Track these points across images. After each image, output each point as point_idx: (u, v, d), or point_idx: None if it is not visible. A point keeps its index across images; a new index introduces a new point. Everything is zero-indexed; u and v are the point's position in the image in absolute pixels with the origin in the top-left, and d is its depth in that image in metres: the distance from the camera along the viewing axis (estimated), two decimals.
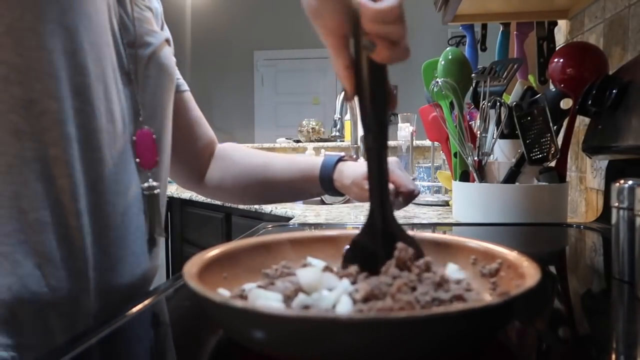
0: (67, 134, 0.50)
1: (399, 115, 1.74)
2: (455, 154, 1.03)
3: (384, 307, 0.31)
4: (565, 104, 0.94)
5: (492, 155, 0.96)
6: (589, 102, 0.86)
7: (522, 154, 0.91)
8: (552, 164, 0.92)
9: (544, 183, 0.91)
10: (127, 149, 0.57)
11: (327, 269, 0.40)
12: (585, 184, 1.11)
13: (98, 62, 0.52)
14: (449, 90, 0.99)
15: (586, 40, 1.10)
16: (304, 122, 3.06)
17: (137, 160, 0.58)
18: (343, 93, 0.39)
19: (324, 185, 0.79)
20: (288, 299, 0.35)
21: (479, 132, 0.96)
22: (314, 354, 0.28)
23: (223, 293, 0.37)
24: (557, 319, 0.45)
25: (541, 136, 0.89)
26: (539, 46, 1.14)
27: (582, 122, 1.08)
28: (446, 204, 1.32)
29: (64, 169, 0.50)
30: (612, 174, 0.91)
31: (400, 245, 0.38)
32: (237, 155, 0.85)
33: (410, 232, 0.41)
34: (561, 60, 0.93)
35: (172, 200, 2.36)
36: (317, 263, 0.43)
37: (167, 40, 0.65)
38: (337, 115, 2.97)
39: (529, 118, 0.90)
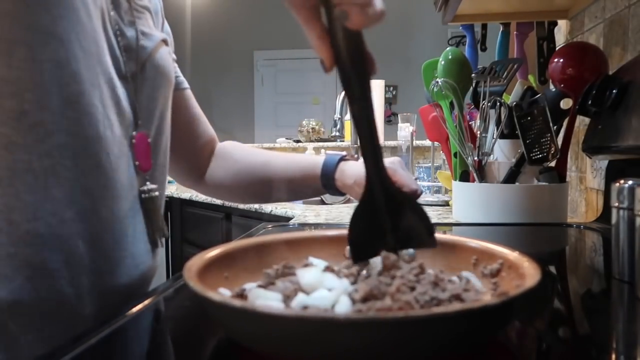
0: (61, 144, 0.49)
1: (399, 115, 1.74)
2: (455, 154, 1.03)
3: (382, 307, 0.31)
4: (565, 104, 0.94)
5: (492, 155, 0.96)
6: (589, 102, 0.86)
7: (522, 154, 0.91)
8: (552, 164, 0.92)
9: (544, 183, 0.91)
10: (125, 153, 0.56)
11: (328, 268, 0.40)
12: (585, 184, 1.11)
13: (92, 69, 0.51)
14: (449, 90, 0.99)
15: (586, 40, 1.10)
16: (304, 122, 3.06)
17: (137, 163, 0.58)
18: (321, 65, 0.38)
19: (325, 184, 0.79)
20: (288, 299, 0.35)
21: (479, 132, 0.96)
22: (312, 354, 0.28)
23: (224, 293, 0.37)
24: (557, 319, 0.45)
25: (541, 136, 0.89)
26: (539, 46, 1.14)
27: (582, 122, 1.08)
28: (446, 204, 1.32)
29: (57, 180, 0.49)
30: (612, 174, 0.91)
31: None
32: (237, 154, 0.85)
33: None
34: (561, 60, 0.93)
35: (172, 200, 2.36)
36: (319, 263, 0.43)
37: (165, 40, 0.65)
38: (337, 115, 2.97)
39: (529, 118, 0.90)
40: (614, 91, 0.82)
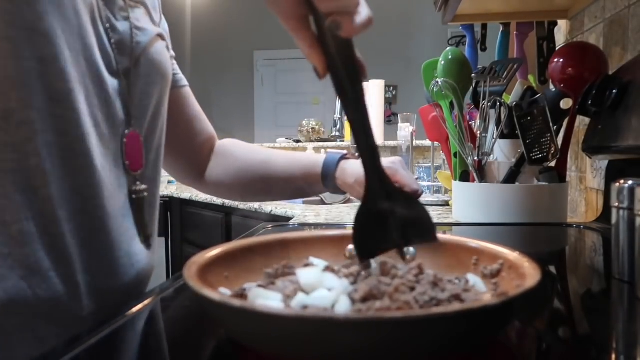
0: (48, 142, 0.48)
1: (399, 115, 1.74)
2: (455, 154, 1.03)
3: (382, 307, 0.31)
4: (565, 104, 0.94)
5: (492, 155, 0.96)
6: (589, 102, 0.86)
7: (522, 154, 0.91)
8: (552, 164, 0.92)
9: (544, 183, 0.91)
10: (114, 152, 0.56)
11: (328, 268, 0.40)
12: (585, 184, 1.11)
13: (80, 66, 0.51)
14: (449, 90, 0.99)
15: (586, 40, 1.10)
16: (304, 122, 3.06)
17: (127, 162, 0.57)
18: (314, 72, 0.39)
19: (325, 183, 0.79)
20: (288, 299, 0.35)
21: (479, 132, 0.96)
22: (312, 354, 0.28)
23: (224, 292, 0.37)
24: (557, 319, 0.45)
25: (541, 136, 0.89)
26: (539, 46, 1.14)
27: (582, 122, 1.08)
28: (446, 204, 1.32)
29: (46, 178, 0.48)
30: (612, 174, 0.91)
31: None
32: (237, 152, 0.84)
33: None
34: (561, 60, 0.93)
35: (172, 200, 2.36)
36: (319, 263, 0.43)
37: (160, 35, 0.64)
38: (337, 115, 2.98)
39: (529, 118, 0.90)
40: (614, 91, 0.82)
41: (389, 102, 5.01)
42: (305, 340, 0.28)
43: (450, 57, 1.01)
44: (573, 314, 0.46)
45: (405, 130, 1.62)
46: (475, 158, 0.96)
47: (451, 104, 1.01)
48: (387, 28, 4.86)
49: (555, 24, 1.16)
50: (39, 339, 0.49)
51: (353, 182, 0.75)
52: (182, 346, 0.37)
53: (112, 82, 0.55)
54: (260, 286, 0.38)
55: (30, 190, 0.48)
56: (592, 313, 0.46)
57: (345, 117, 2.30)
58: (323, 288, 0.35)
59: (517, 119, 0.90)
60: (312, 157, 0.82)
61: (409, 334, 0.27)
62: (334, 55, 0.37)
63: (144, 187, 0.59)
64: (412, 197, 0.39)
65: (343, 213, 1.23)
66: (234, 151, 0.84)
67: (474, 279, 0.39)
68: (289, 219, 1.37)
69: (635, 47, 0.90)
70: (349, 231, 0.40)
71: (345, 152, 0.81)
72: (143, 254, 0.59)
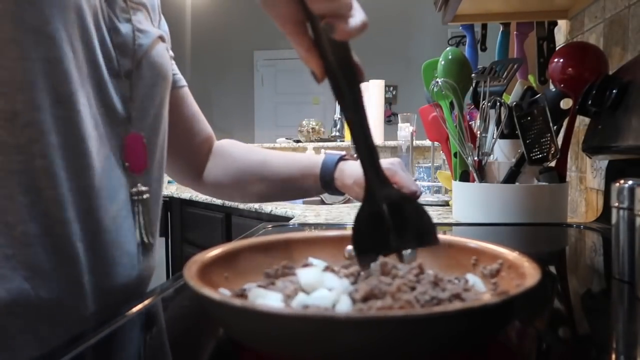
0: (52, 144, 0.49)
1: (399, 115, 1.74)
2: (455, 154, 1.03)
3: (383, 306, 0.31)
4: (565, 104, 0.94)
5: (492, 155, 0.97)
6: (589, 102, 0.86)
7: (522, 154, 0.91)
8: (552, 164, 0.92)
9: (544, 183, 0.91)
10: (114, 154, 0.56)
11: (328, 269, 0.40)
12: (585, 184, 1.11)
13: (82, 68, 0.51)
14: (449, 90, 0.99)
15: (586, 40, 1.10)
16: (304, 122, 3.06)
17: (127, 164, 0.57)
18: (312, 76, 0.39)
19: (324, 184, 0.79)
20: (288, 299, 0.35)
21: (479, 132, 0.96)
22: (313, 353, 0.28)
23: (224, 293, 0.37)
24: (557, 319, 0.45)
25: (541, 136, 0.89)
26: (539, 46, 1.14)
27: (582, 122, 1.08)
28: (446, 204, 1.32)
29: (50, 180, 0.49)
30: (612, 174, 0.91)
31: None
32: (235, 152, 0.84)
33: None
34: (561, 60, 0.93)
35: (172, 200, 2.36)
36: (318, 263, 0.43)
37: (161, 37, 0.64)
38: (337, 115, 2.98)
39: (529, 118, 0.90)
40: (614, 91, 0.82)
41: (389, 102, 5.01)
42: (306, 340, 0.28)
43: (450, 57, 1.01)
44: (573, 314, 0.47)
45: (405, 130, 1.62)
46: (475, 158, 0.96)
47: (451, 104, 1.01)
48: (387, 28, 4.86)
49: (555, 24, 1.16)
50: (42, 340, 0.49)
51: (352, 183, 0.75)
52: (182, 346, 0.37)
53: (113, 84, 0.55)
54: (260, 286, 0.38)
55: (35, 192, 0.48)
56: (592, 313, 0.46)
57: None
58: (323, 288, 0.35)
59: (517, 119, 0.90)
60: (310, 158, 0.82)
61: (410, 332, 0.27)
62: (331, 59, 0.37)
63: (144, 188, 0.59)
64: (411, 199, 0.40)
65: (343, 213, 1.23)
66: (232, 152, 0.84)
67: (473, 279, 0.39)
68: (289, 219, 1.37)
69: (635, 47, 0.90)
70: (349, 231, 0.40)
71: (343, 153, 0.81)
72: (143, 255, 0.59)
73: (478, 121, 0.98)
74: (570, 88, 0.91)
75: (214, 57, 5.47)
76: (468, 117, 1.05)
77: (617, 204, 0.51)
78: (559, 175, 0.92)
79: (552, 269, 0.64)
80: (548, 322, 0.43)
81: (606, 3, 1.02)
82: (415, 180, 1.54)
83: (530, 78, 1.14)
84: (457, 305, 0.32)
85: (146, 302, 0.45)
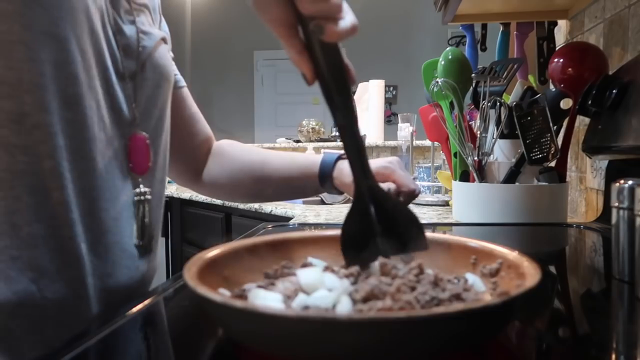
0: (59, 145, 0.49)
1: (399, 115, 1.74)
2: (455, 154, 1.03)
3: (383, 307, 0.31)
4: (565, 104, 0.94)
5: (492, 155, 0.97)
6: (589, 102, 0.86)
7: (522, 154, 0.91)
8: (552, 164, 0.92)
9: (544, 183, 0.91)
10: (118, 155, 0.56)
11: (327, 269, 0.40)
12: (585, 184, 1.11)
13: (90, 70, 0.51)
14: (449, 90, 0.99)
15: (586, 40, 1.10)
16: (304, 122, 3.06)
17: (130, 165, 0.57)
18: (303, 78, 0.39)
19: (323, 183, 0.79)
20: (288, 299, 0.35)
21: (479, 132, 0.96)
22: (314, 354, 0.28)
23: (224, 293, 0.37)
24: (557, 319, 0.45)
25: (541, 136, 0.89)
26: (539, 46, 1.14)
27: (582, 122, 1.08)
28: (446, 204, 1.32)
29: (56, 181, 0.49)
30: (612, 174, 0.91)
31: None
32: (234, 152, 0.84)
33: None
34: (561, 60, 0.93)
35: (172, 200, 2.36)
36: (318, 263, 0.43)
37: (164, 39, 0.64)
38: None
39: (529, 118, 0.90)
40: (614, 91, 0.82)
41: (389, 102, 5.01)
42: (307, 341, 0.28)
43: (450, 57, 1.01)
44: (573, 314, 0.47)
45: (405, 130, 1.62)
46: (475, 158, 0.96)
47: (451, 104, 1.01)
48: (387, 28, 4.86)
49: (555, 24, 1.16)
50: (47, 341, 0.49)
51: (350, 181, 0.75)
52: (182, 346, 0.37)
53: (119, 86, 0.56)
54: (260, 287, 0.38)
55: (42, 193, 0.48)
56: (592, 313, 0.46)
57: None
58: (324, 288, 0.35)
59: (517, 119, 0.90)
60: (309, 157, 0.82)
61: (411, 334, 0.27)
62: (322, 62, 0.38)
63: (146, 189, 0.59)
64: (400, 203, 0.40)
65: (343, 213, 1.23)
66: (231, 152, 0.84)
67: (472, 279, 0.39)
68: (289, 219, 1.37)
69: (635, 47, 0.90)
70: None
71: (342, 152, 0.81)
72: (146, 256, 0.59)
73: (478, 121, 0.98)
74: (570, 88, 0.91)
75: (214, 57, 5.47)
76: (468, 117, 1.05)
77: (617, 204, 0.51)
78: (559, 175, 0.92)
79: (552, 269, 0.64)
80: (548, 322, 0.43)
81: (606, 3, 1.02)
82: (414, 179, 1.54)
83: (530, 78, 1.14)
84: (457, 306, 0.32)
85: (146, 302, 0.45)
